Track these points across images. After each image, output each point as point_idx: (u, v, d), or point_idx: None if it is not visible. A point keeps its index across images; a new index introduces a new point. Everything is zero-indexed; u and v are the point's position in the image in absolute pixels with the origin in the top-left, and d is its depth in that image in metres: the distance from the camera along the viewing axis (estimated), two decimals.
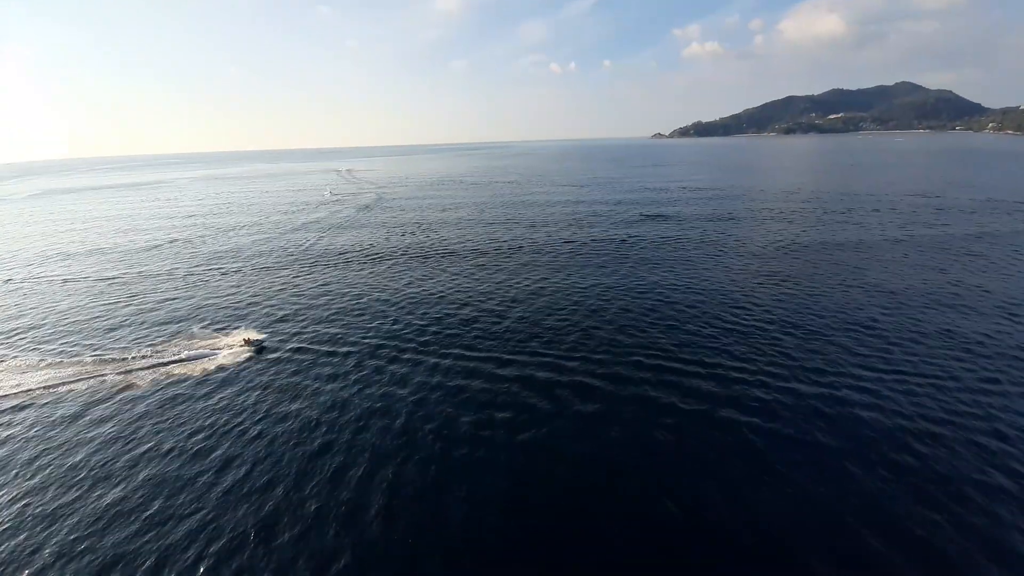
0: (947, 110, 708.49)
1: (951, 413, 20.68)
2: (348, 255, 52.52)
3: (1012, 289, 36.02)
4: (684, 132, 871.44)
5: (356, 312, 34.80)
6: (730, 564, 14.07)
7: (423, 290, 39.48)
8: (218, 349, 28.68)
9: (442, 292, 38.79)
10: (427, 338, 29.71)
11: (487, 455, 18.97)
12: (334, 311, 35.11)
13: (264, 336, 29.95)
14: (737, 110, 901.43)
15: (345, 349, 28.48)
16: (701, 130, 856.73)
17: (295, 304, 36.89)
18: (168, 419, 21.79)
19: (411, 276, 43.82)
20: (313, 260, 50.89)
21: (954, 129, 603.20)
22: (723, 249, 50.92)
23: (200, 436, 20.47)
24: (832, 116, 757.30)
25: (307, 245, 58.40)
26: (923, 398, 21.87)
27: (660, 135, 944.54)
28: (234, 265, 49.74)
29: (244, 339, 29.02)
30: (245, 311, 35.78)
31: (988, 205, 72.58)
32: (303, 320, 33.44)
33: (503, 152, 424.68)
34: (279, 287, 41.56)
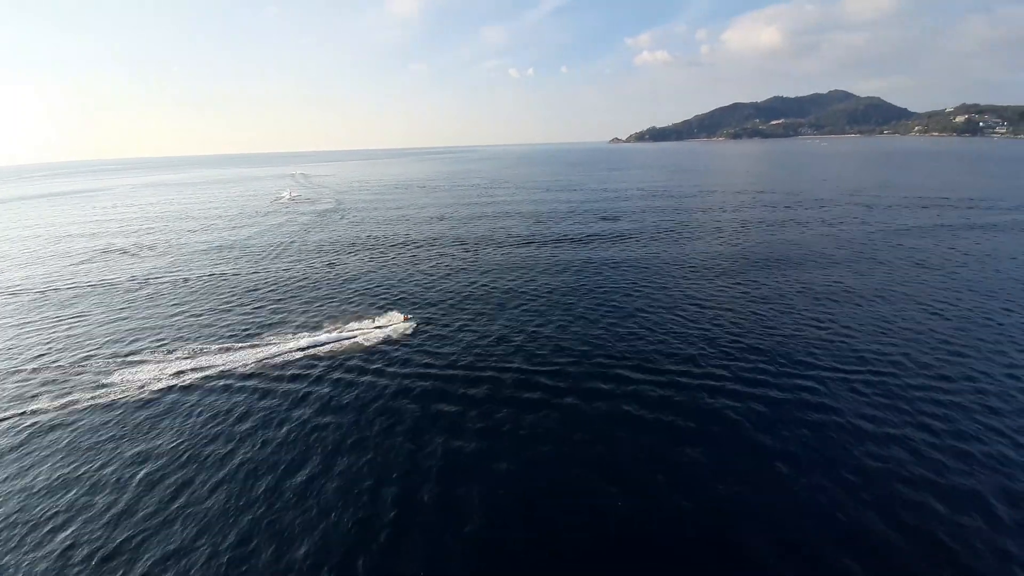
0: (876, 115, 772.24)
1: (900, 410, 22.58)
2: (307, 257, 50.88)
3: (945, 280, 39.78)
4: (640, 137, 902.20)
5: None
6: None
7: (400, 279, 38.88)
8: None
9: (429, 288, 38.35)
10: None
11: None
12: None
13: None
14: (688, 116, 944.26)
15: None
16: (656, 135, 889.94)
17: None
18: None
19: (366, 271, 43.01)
20: (254, 257, 48.88)
21: (882, 133, 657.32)
22: (676, 251, 53.14)
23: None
24: (774, 122, 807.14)
25: (253, 256, 56.00)
26: (870, 393, 23.73)
27: (618, 139, 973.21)
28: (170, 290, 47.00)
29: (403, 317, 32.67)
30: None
31: (915, 202, 79.76)
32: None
33: (467, 156, 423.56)
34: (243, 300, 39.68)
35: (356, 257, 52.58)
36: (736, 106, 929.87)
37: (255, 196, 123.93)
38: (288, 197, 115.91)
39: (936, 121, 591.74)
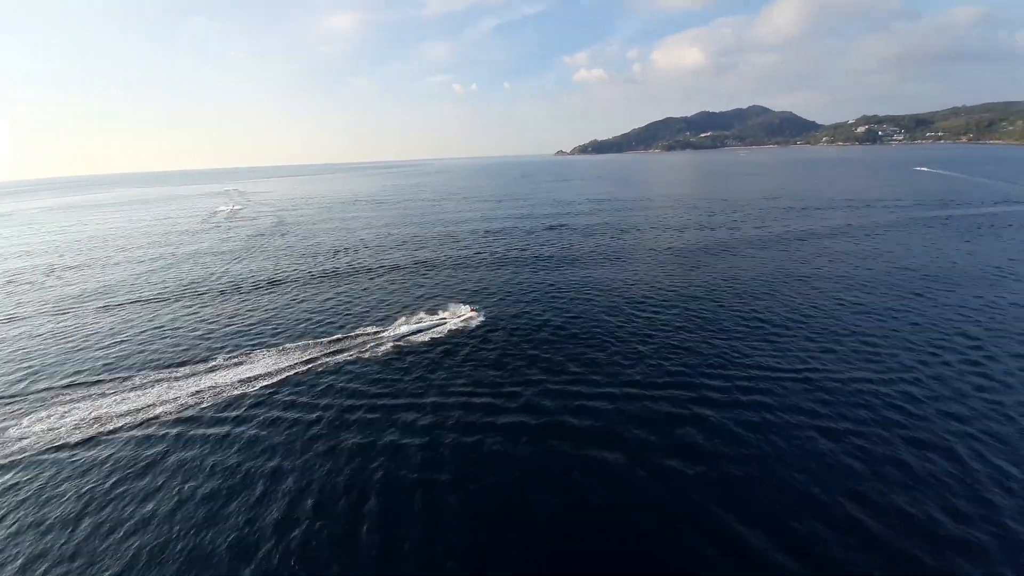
0: (790, 128, 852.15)
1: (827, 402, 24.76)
2: (242, 286, 47.94)
3: (860, 274, 44.33)
4: (584, 149, 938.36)
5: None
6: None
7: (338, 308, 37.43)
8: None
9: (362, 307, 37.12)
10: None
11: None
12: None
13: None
14: (627, 129, 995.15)
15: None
16: (598, 147, 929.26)
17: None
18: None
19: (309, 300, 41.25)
20: (157, 297, 45.54)
21: (796, 144, 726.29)
22: (619, 254, 55.53)
23: None
24: (703, 135, 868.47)
25: (186, 283, 52.08)
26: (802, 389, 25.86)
27: (563, 152, 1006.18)
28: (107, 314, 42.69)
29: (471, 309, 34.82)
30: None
31: (825, 204, 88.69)
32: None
33: (415, 170, 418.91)
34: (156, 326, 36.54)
35: (297, 283, 50.20)
36: (668, 120, 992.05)
37: (181, 217, 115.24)
38: (224, 215, 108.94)
39: (841, 132, 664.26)
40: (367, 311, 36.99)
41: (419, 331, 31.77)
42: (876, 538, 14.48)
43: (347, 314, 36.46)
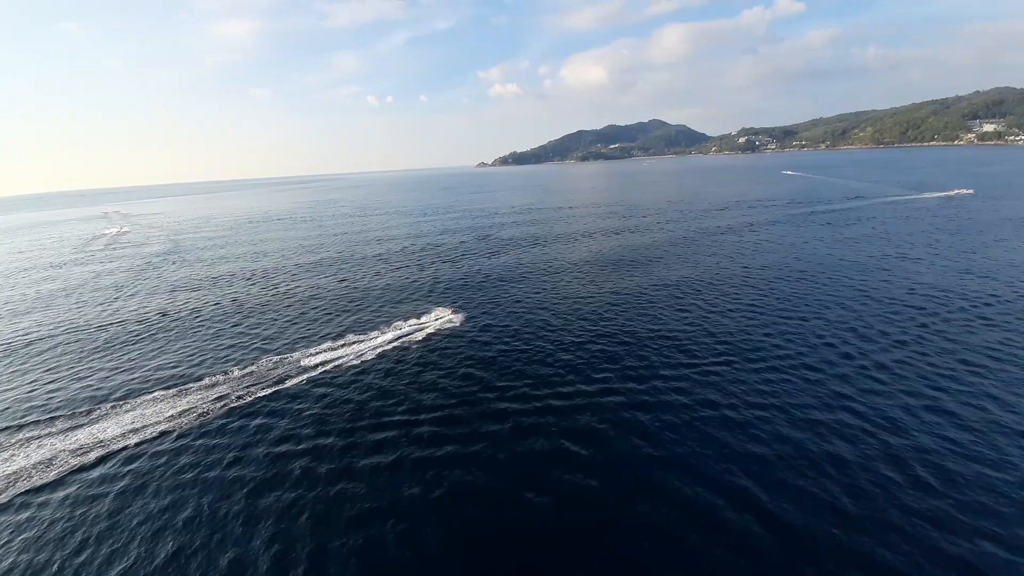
0: (685, 139, 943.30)
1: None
2: (127, 321, 42.43)
3: (750, 264, 50.19)
4: (504, 161, 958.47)
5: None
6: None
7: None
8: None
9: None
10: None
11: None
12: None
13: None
14: (544, 141, 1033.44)
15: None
16: (517, 159, 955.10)
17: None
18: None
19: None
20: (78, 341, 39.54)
21: (691, 153, 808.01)
22: (548, 264, 57.78)
23: None
24: (612, 146, 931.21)
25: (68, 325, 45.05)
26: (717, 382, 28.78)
27: (484, 164, 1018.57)
28: None
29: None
30: None
31: (717, 205, 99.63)
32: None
33: (330, 185, 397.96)
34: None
35: (197, 315, 45.52)
36: (580, 133, 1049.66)
37: (47, 248, 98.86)
38: (104, 241, 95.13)
39: (725, 142, 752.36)
40: (277, 342, 34.47)
41: (339, 359, 30.29)
42: (767, 507, 16.56)
43: (253, 347, 33.66)
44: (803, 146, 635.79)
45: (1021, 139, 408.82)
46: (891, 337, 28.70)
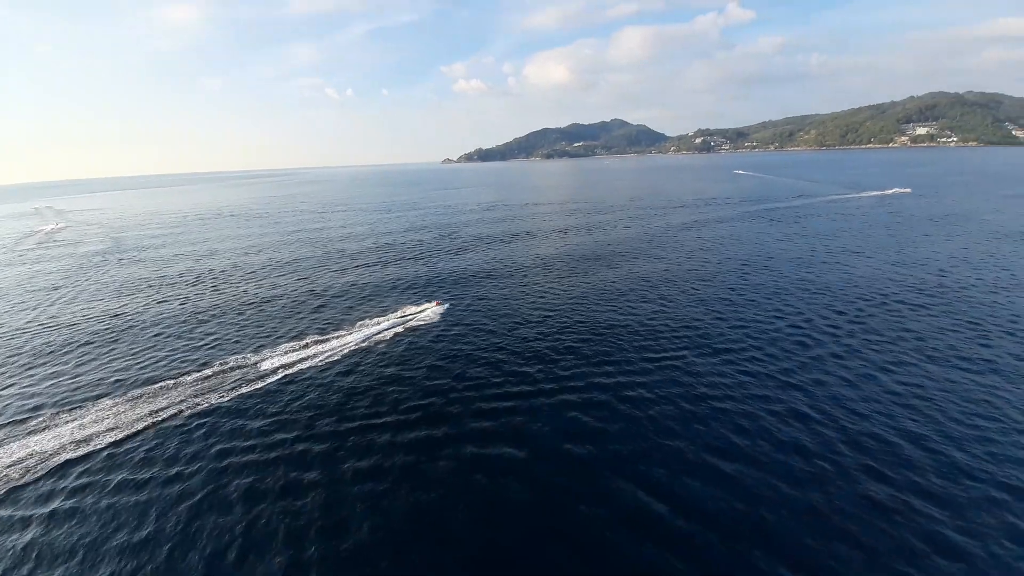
0: (646, 138, 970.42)
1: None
2: (62, 326, 39.58)
3: (711, 260, 52.50)
4: (470, 157, 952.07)
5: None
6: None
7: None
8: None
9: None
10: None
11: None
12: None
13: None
14: (509, 139, 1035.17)
15: None
16: (483, 155, 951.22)
17: None
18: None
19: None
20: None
21: (651, 152, 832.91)
22: (515, 262, 58.31)
23: None
24: (576, 144, 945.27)
25: None
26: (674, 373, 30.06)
27: (449, 160, 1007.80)
28: None
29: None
30: None
31: (676, 202, 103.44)
32: None
33: (290, 180, 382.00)
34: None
35: (143, 319, 43.05)
36: (546, 131, 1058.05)
37: None
38: (36, 240, 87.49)
39: (683, 142, 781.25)
40: (230, 345, 33.14)
41: (299, 361, 29.52)
42: (732, 478, 17.65)
43: (206, 351, 32.22)
44: (754, 147, 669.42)
45: (952, 141, 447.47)
46: (839, 326, 31.00)
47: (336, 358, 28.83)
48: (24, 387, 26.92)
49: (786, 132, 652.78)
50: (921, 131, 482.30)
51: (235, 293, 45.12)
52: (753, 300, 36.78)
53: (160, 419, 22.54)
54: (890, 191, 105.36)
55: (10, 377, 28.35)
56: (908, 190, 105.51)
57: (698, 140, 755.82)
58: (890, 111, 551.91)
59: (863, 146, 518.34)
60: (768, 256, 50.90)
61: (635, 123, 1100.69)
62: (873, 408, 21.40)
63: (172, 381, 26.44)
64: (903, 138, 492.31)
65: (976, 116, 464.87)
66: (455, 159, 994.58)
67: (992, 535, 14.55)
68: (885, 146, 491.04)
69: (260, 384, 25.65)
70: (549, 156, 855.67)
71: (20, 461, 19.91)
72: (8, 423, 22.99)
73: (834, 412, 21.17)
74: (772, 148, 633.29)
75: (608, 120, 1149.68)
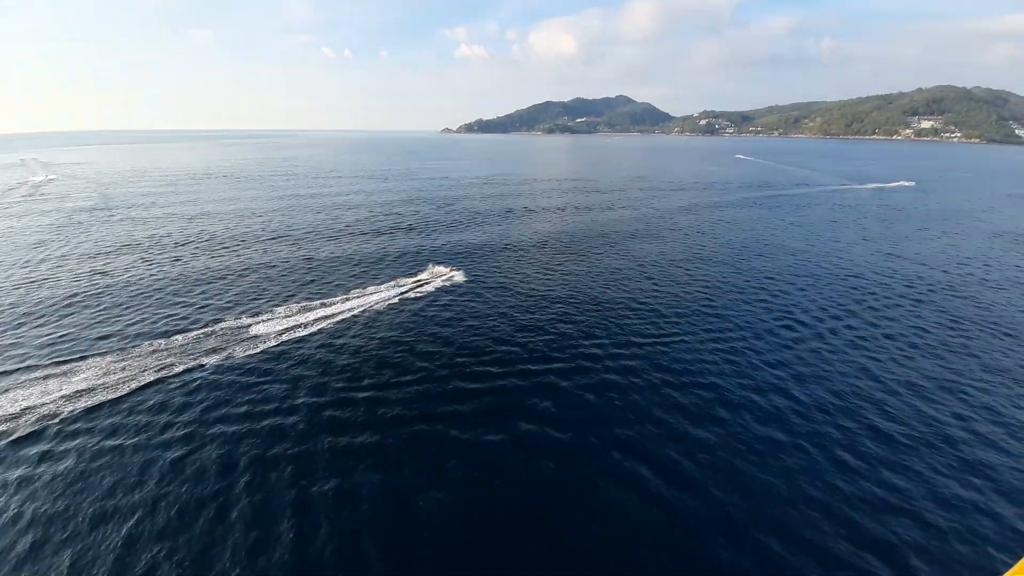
0: (650, 117, 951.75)
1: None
2: (48, 282, 38.92)
3: (715, 242, 52.49)
4: (469, 128, 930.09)
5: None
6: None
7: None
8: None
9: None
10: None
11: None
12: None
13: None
14: (511, 110, 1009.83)
15: None
16: (483, 126, 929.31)
17: None
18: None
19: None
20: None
21: (655, 132, 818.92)
22: (519, 233, 57.88)
23: None
24: (578, 120, 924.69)
25: None
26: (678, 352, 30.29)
27: (449, 130, 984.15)
28: None
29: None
30: None
31: (678, 185, 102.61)
32: None
33: (285, 142, 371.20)
34: None
35: (135, 278, 42.40)
36: (548, 104, 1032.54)
37: None
38: (21, 193, 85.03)
39: (688, 123, 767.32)
40: (221, 308, 32.91)
41: (291, 327, 29.45)
42: (725, 461, 18.15)
43: (197, 314, 32.00)
44: (758, 132, 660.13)
45: (956, 136, 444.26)
46: (845, 314, 31.42)
47: (330, 325, 28.81)
48: (11, 341, 26.66)
49: (791, 118, 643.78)
50: (925, 125, 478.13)
51: (228, 256, 44.51)
52: (752, 287, 37.08)
53: (152, 379, 22.54)
54: (895, 184, 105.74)
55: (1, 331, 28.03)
56: (912, 183, 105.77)
57: (703, 122, 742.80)
58: (897, 102, 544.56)
59: (868, 137, 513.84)
60: (763, 243, 51.01)
61: (640, 101, 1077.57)
62: (852, 390, 21.97)
63: (163, 341, 26.35)
64: (907, 131, 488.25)
65: (982, 112, 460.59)
66: (455, 129, 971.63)
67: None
68: (889, 138, 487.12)
69: (256, 349, 25.64)
70: (551, 131, 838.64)
71: (7, 415, 19.90)
72: None
73: (817, 394, 21.72)
74: (776, 134, 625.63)
75: (612, 96, 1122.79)
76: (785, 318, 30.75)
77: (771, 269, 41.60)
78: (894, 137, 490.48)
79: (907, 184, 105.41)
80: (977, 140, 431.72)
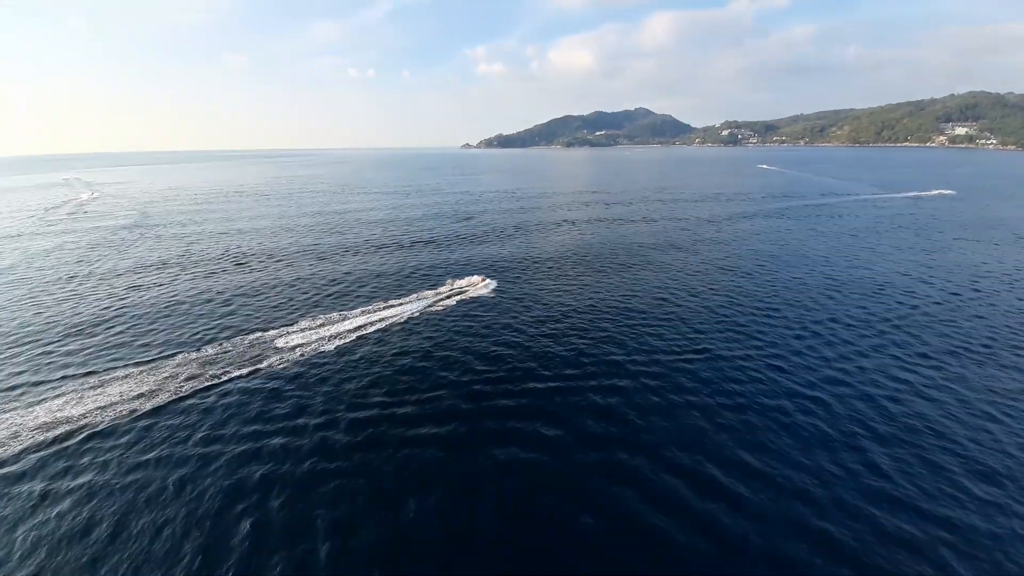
0: (670, 129, 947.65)
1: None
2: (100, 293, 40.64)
3: (737, 253, 51.24)
4: (489, 143, 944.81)
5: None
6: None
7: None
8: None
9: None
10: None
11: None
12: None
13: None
14: (530, 124, 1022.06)
15: None
16: (503, 142, 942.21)
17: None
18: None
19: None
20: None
21: (675, 143, 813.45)
22: (539, 246, 57.82)
23: None
24: (598, 133, 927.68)
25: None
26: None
27: (469, 145, 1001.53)
28: None
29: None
30: None
31: (700, 196, 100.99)
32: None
33: (311, 160, 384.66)
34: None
35: (184, 279, 43.99)
36: (567, 118, 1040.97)
37: (2, 212, 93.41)
38: (66, 211, 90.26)
39: (709, 134, 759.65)
40: (254, 321, 33.67)
41: (315, 340, 29.83)
42: (762, 472, 17.26)
43: (232, 326, 32.81)
44: (783, 141, 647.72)
45: (991, 143, 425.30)
46: (867, 329, 29.95)
47: (353, 338, 29.08)
48: (53, 353, 27.82)
49: (817, 127, 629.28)
50: (960, 131, 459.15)
51: (260, 272, 45.83)
52: (775, 300, 35.78)
53: (190, 391, 23.06)
54: (934, 192, 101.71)
55: (41, 342, 29.31)
56: (952, 192, 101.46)
57: (725, 132, 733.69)
58: (929, 108, 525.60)
59: (899, 144, 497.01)
60: (791, 254, 49.35)
61: (659, 112, 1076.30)
62: (893, 402, 20.65)
63: (194, 353, 27.04)
64: (941, 137, 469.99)
65: (1017, 118, 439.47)
66: (475, 144, 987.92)
67: None
68: (922, 145, 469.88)
69: (284, 358, 26.05)
70: (570, 144, 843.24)
71: (42, 426, 20.61)
72: (27, 390, 23.80)
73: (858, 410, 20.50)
74: (802, 143, 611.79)
75: (632, 109, 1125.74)
76: (814, 335, 29.42)
77: (803, 281, 40.10)
78: (928, 144, 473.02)
79: (946, 192, 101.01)
80: (1013, 147, 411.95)
